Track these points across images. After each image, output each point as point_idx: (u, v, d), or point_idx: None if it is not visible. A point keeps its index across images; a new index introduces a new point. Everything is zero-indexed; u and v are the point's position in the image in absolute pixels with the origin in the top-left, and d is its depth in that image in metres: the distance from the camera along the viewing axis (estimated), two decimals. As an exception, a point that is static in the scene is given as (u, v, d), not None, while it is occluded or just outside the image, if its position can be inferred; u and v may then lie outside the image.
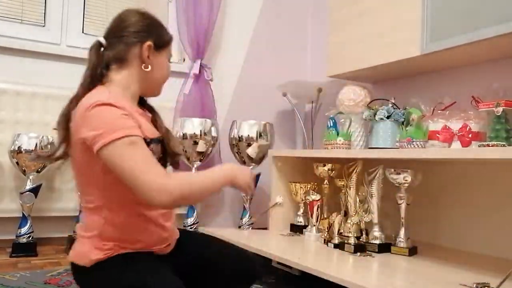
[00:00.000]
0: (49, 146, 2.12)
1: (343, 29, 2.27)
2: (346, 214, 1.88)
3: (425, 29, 1.79)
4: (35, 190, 2.09)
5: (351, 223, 1.77)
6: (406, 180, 1.70)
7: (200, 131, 2.40)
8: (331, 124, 2.05)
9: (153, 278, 0.98)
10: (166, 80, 1.28)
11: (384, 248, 1.74)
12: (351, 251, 1.70)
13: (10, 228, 2.13)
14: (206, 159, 2.45)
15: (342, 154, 1.91)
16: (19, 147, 2.07)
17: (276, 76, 2.82)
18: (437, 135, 1.65)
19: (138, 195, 0.97)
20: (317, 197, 1.98)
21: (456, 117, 1.65)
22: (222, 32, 2.84)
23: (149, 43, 1.16)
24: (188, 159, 2.42)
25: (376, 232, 1.79)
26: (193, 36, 2.63)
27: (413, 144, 1.64)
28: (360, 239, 1.80)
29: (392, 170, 1.73)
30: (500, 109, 1.46)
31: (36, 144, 2.08)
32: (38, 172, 2.12)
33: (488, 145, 1.45)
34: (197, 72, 2.63)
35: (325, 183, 2.13)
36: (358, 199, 1.84)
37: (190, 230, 2.42)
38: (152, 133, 1.14)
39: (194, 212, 2.47)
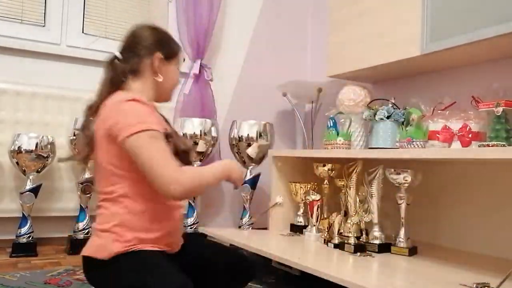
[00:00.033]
0: (49, 146, 2.12)
1: (343, 29, 2.27)
2: (346, 214, 1.88)
3: (425, 29, 1.79)
4: (35, 190, 2.09)
5: (351, 223, 1.77)
6: (406, 180, 1.70)
7: (200, 131, 2.40)
8: (331, 124, 2.05)
9: (169, 277, 1.05)
10: (176, 87, 1.40)
11: (384, 248, 1.74)
12: (351, 251, 1.70)
13: (10, 228, 2.13)
14: (206, 159, 2.45)
15: (342, 154, 1.90)
16: (19, 147, 2.06)
17: (276, 76, 2.82)
18: (437, 135, 1.65)
19: (154, 185, 1.08)
20: (317, 197, 1.98)
21: (456, 117, 1.65)
22: (222, 32, 2.84)
23: (159, 55, 1.28)
24: (188, 159, 2.42)
25: (376, 232, 1.79)
26: (193, 36, 2.63)
27: (413, 144, 1.64)
28: (360, 239, 1.80)
29: (392, 170, 1.73)
30: (500, 109, 1.46)
31: (36, 144, 2.08)
32: (38, 172, 2.12)
33: (488, 145, 1.45)
34: (197, 72, 2.63)
35: (325, 183, 2.13)
36: (358, 199, 1.84)
37: (187, 231, 2.43)
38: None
39: (194, 212, 2.47)
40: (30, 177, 2.10)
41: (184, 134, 2.39)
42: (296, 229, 2.16)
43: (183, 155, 1.26)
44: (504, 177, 1.75)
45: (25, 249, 2.05)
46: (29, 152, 2.07)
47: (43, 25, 2.42)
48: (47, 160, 2.13)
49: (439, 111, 1.73)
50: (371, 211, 1.82)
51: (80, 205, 2.22)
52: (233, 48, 2.89)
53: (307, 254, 1.71)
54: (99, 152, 1.16)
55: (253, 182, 2.53)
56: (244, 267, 1.26)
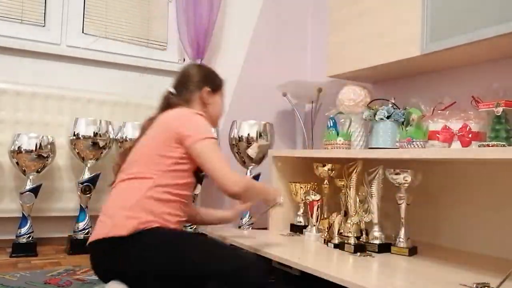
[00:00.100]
0: (49, 146, 2.12)
1: (343, 29, 2.27)
2: (346, 214, 1.88)
3: (425, 29, 1.79)
4: (35, 190, 2.09)
5: (351, 223, 1.77)
6: (406, 180, 1.70)
7: (200, 131, 2.40)
8: (331, 124, 2.05)
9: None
10: (222, 115, 1.66)
11: (384, 248, 1.74)
12: (351, 251, 1.70)
13: (10, 228, 2.13)
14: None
15: (342, 154, 1.90)
16: (19, 147, 2.06)
17: (276, 76, 2.82)
18: (437, 135, 1.65)
19: (216, 180, 1.35)
20: (317, 197, 1.98)
21: (456, 117, 1.65)
22: (222, 32, 2.84)
23: (207, 89, 1.56)
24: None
25: (376, 232, 1.79)
26: (193, 36, 2.63)
27: (413, 144, 1.64)
28: (360, 239, 1.80)
29: (392, 170, 1.72)
30: (500, 109, 1.46)
31: (36, 144, 2.08)
32: (38, 172, 2.12)
33: (488, 145, 1.45)
34: (197, 72, 2.63)
35: (325, 183, 2.12)
36: (358, 199, 1.84)
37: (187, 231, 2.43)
38: None
39: (194, 212, 2.47)
40: (30, 177, 2.10)
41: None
42: (296, 229, 2.16)
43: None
44: (504, 177, 1.75)
45: (25, 249, 2.05)
46: (29, 152, 2.07)
47: (43, 25, 2.42)
48: (47, 160, 2.13)
49: (439, 111, 1.73)
50: (371, 211, 1.82)
51: (80, 205, 2.22)
52: (233, 48, 2.89)
53: (307, 254, 1.71)
54: (148, 142, 1.41)
55: (253, 182, 2.52)
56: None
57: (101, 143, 2.22)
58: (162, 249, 1.25)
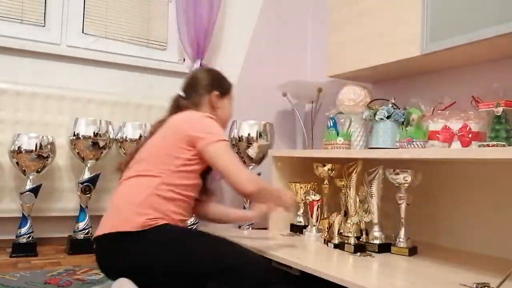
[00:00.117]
0: (49, 146, 2.12)
1: (343, 29, 2.27)
2: (346, 214, 1.88)
3: (425, 29, 1.79)
4: (35, 190, 2.09)
5: (351, 223, 1.77)
6: (406, 180, 1.70)
7: (200, 131, 2.40)
8: (331, 124, 2.05)
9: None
10: (231, 118, 1.71)
11: (384, 248, 1.74)
12: (351, 251, 1.70)
13: (10, 228, 2.13)
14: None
15: (342, 154, 1.90)
16: (19, 147, 2.06)
17: (276, 76, 2.82)
18: (437, 135, 1.65)
19: (230, 181, 1.40)
20: (317, 197, 1.98)
21: (456, 117, 1.65)
22: (222, 32, 2.84)
23: (216, 92, 1.60)
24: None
25: (376, 232, 1.79)
26: (193, 36, 2.63)
27: (413, 144, 1.64)
28: (360, 239, 1.80)
29: (392, 170, 1.73)
30: (500, 109, 1.46)
31: (36, 144, 2.08)
32: (38, 172, 2.12)
33: (488, 145, 1.45)
34: (197, 72, 2.63)
35: (325, 183, 2.12)
36: (358, 199, 1.84)
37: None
38: None
39: (194, 212, 2.47)
40: (30, 177, 2.10)
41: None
42: (296, 229, 2.16)
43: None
44: (504, 177, 1.75)
45: (25, 249, 2.05)
46: (29, 152, 2.07)
47: (43, 25, 2.42)
48: (47, 160, 2.13)
49: (439, 111, 1.73)
50: (371, 211, 1.82)
51: (80, 205, 2.21)
52: (233, 48, 2.89)
53: (307, 254, 1.71)
54: (158, 143, 1.46)
55: (253, 182, 2.52)
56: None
57: (101, 143, 2.22)
58: (170, 246, 1.28)
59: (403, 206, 1.73)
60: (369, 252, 1.71)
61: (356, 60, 2.17)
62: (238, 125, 2.53)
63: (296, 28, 3.11)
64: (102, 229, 1.34)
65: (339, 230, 1.82)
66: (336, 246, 1.78)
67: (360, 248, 1.71)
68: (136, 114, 2.46)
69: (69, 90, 2.36)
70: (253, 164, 2.53)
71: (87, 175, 2.21)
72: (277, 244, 1.86)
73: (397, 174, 1.71)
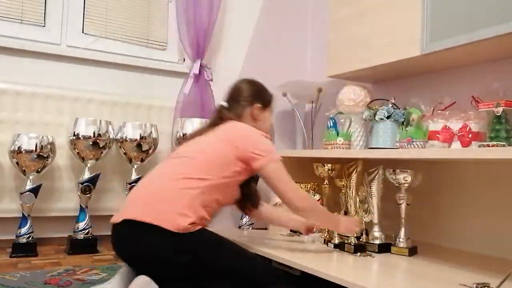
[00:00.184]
0: (49, 146, 2.12)
1: (343, 29, 2.27)
2: (346, 214, 1.88)
3: (425, 29, 1.79)
4: (35, 190, 2.09)
5: (351, 223, 1.76)
6: (406, 180, 1.70)
7: (200, 131, 2.40)
8: (331, 124, 2.05)
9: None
10: (270, 129, 1.77)
11: (384, 248, 1.74)
12: (351, 251, 1.70)
13: (10, 228, 2.13)
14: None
15: (342, 154, 1.90)
16: (19, 147, 2.06)
17: (276, 76, 2.82)
18: (437, 135, 1.65)
19: (286, 199, 1.51)
20: (317, 197, 1.98)
21: (456, 117, 1.65)
22: (222, 32, 2.84)
23: (258, 105, 1.66)
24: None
25: (376, 232, 1.79)
26: (193, 36, 2.63)
27: (413, 144, 1.64)
28: (360, 239, 1.80)
29: (392, 170, 1.73)
30: (500, 109, 1.46)
31: (36, 144, 2.08)
32: (38, 172, 2.12)
33: (488, 145, 1.45)
34: (197, 72, 2.63)
35: (325, 183, 2.12)
36: (358, 199, 1.84)
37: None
38: None
39: (194, 212, 2.47)
40: (30, 177, 2.10)
41: (184, 134, 2.39)
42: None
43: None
44: (504, 177, 1.75)
45: (25, 249, 2.05)
46: (29, 152, 2.07)
47: (43, 25, 2.41)
48: (47, 160, 2.13)
49: (439, 111, 1.73)
50: (371, 211, 1.82)
51: (80, 205, 2.21)
52: (233, 48, 2.89)
53: (307, 254, 1.71)
54: (209, 150, 1.50)
55: (253, 182, 2.52)
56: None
57: (101, 143, 2.22)
58: (201, 249, 1.36)
59: (403, 206, 1.74)
60: (369, 252, 1.71)
61: (356, 60, 2.17)
62: (238, 125, 2.52)
63: (296, 28, 3.11)
64: (135, 213, 1.37)
65: (339, 230, 1.81)
66: (336, 246, 1.78)
67: (360, 248, 1.71)
68: (136, 114, 2.46)
69: (69, 90, 2.36)
70: (253, 164, 2.53)
71: (87, 175, 2.21)
72: (277, 244, 1.86)
73: (397, 174, 1.71)
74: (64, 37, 2.46)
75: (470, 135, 1.60)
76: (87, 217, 2.20)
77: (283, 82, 2.66)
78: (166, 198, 1.39)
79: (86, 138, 2.18)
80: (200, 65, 2.64)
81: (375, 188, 1.81)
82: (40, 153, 2.09)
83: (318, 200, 1.98)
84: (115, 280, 1.39)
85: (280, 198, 1.53)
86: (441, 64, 1.98)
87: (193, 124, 2.40)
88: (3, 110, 2.18)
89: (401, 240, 1.72)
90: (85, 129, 2.18)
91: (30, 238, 2.09)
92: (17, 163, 2.09)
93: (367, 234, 1.81)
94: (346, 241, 1.75)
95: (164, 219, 1.33)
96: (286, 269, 1.72)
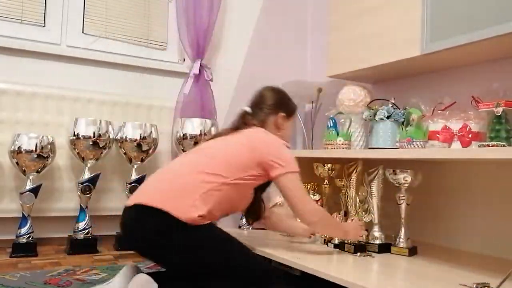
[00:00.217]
0: (49, 146, 2.12)
1: (343, 29, 2.27)
2: (346, 214, 1.88)
3: (425, 29, 1.79)
4: (35, 190, 2.09)
5: (351, 223, 1.76)
6: (406, 180, 1.70)
7: (200, 131, 2.40)
8: (331, 124, 2.05)
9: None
10: (291, 138, 1.79)
11: (384, 248, 1.74)
12: (351, 251, 1.70)
13: (10, 228, 2.13)
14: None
15: (342, 154, 1.90)
16: (19, 147, 2.06)
17: (276, 76, 2.81)
18: (437, 135, 1.65)
19: (298, 212, 1.53)
20: (317, 197, 1.98)
21: (456, 117, 1.65)
22: (222, 32, 2.84)
23: (282, 114, 1.67)
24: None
25: (376, 232, 1.79)
26: (193, 36, 2.62)
27: (413, 144, 1.64)
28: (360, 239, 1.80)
29: (392, 170, 1.73)
30: (500, 109, 1.46)
31: (36, 144, 2.08)
32: (38, 172, 2.12)
33: (488, 145, 1.45)
34: (197, 72, 2.63)
35: (325, 183, 2.12)
36: (358, 199, 1.84)
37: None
38: None
39: (194, 212, 2.47)
40: (30, 177, 2.10)
41: (184, 134, 2.39)
42: (296, 229, 2.15)
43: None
44: (504, 177, 1.75)
45: (25, 249, 2.05)
46: (29, 152, 2.07)
47: (43, 25, 2.41)
48: (47, 160, 2.13)
49: (439, 111, 1.73)
50: (371, 211, 1.82)
51: (80, 205, 2.21)
52: (233, 48, 2.89)
53: (307, 254, 1.71)
54: (232, 152, 1.52)
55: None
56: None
57: (101, 143, 2.22)
58: (209, 245, 1.38)
59: (403, 206, 1.74)
60: (369, 252, 1.71)
61: (356, 60, 2.17)
62: (238, 125, 2.52)
63: (296, 28, 3.11)
64: (147, 198, 1.39)
65: (339, 230, 1.81)
66: (336, 246, 1.78)
67: (360, 248, 1.71)
68: (136, 114, 2.46)
69: (69, 90, 2.36)
70: (253, 164, 2.53)
71: (87, 175, 2.21)
72: (277, 244, 1.86)
73: (397, 174, 1.71)
74: (64, 37, 2.46)
75: (470, 135, 1.60)
76: (87, 217, 2.20)
77: (283, 82, 2.65)
78: (180, 188, 1.41)
79: (86, 138, 2.18)
80: (200, 65, 2.64)
81: (375, 188, 1.81)
82: (40, 153, 2.09)
83: (318, 200, 1.98)
84: (116, 280, 1.39)
85: (292, 209, 1.55)
86: (441, 64, 1.98)
87: (193, 124, 2.40)
88: (3, 110, 2.18)
89: (401, 240, 1.72)
90: (85, 129, 2.18)
91: (30, 238, 2.09)
92: (17, 163, 2.09)
93: (367, 234, 1.81)
94: (346, 241, 1.75)
95: (175, 207, 1.35)
96: (286, 269, 1.72)
